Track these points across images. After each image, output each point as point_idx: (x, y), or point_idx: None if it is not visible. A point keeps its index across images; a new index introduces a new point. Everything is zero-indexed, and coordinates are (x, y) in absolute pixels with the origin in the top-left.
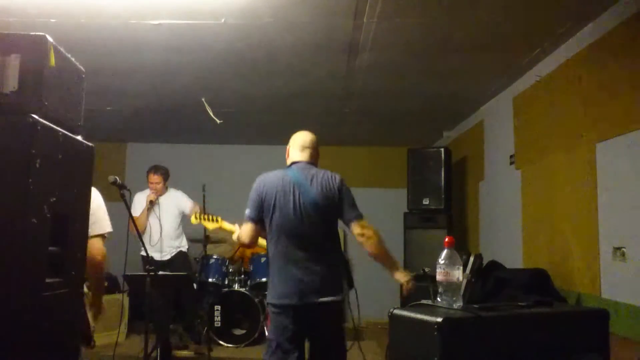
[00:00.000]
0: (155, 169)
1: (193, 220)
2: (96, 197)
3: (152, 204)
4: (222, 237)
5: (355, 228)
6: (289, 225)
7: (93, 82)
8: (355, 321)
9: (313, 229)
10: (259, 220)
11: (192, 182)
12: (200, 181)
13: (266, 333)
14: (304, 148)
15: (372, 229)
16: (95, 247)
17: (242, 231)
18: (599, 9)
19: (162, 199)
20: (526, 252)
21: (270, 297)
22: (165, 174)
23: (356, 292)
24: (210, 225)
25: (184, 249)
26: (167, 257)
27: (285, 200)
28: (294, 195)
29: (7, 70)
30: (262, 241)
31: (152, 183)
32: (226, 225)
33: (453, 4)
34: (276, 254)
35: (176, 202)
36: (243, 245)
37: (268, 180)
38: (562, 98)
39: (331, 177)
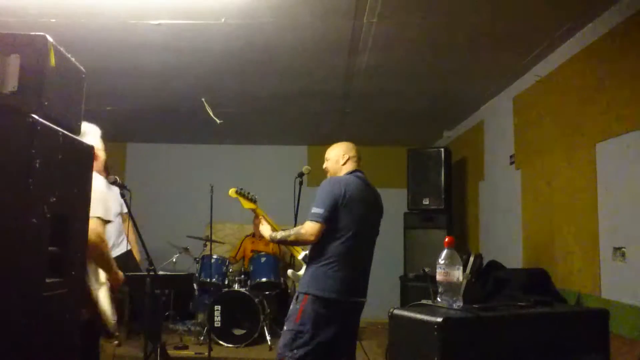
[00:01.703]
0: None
1: (231, 193)
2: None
3: None
4: (222, 237)
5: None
6: (362, 228)
7: (93, 82)
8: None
9: (373, 234)
10: (331, 221)
11: (192, 181)
12: (200, 181)
13: (266, 333)
14: (359, 160)
15: None
16: (91, 227)
17: (310, 229)
18: (599, 9)
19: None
20: (526, 252)
21: (319, 290)
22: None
23: None
24: (246, 204)
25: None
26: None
27: (364, 205)
28: (369, 201)
29: (7, 70)
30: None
31: None
32: (261, 211)
33: (453, 4)
34: (339, 252)
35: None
36: (301, 244)
37: (347, 183)
38: (562, 98)
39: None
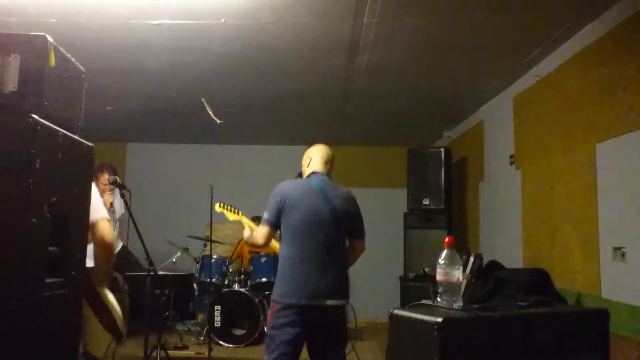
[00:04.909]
0: (107, 167)
1: (217, 208)
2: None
3: (112, 207)
4: (222, 237)
5: (360, 245)
6: (308, 228)
7: (93, 82)
8: (353, 324)
9: (329, 236)
10: (277, 224)
11: (192, 181)
12: (200, 181)
13: (266, 331)
14: (326, 162)
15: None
16: (106, 227)
17: (259, 233)
18: (599, 9)
19: (115, 203)
20: (526, 252)
21: (279, 295)
22: (115, 173)
23: (352, 305)
24: (231, 217)
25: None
26: None
27: (307, 206)
28: (317, 202)
29: (7, 70)
30: (274, 243)
31: (105, 185)
32: (245, 219)
33: (453, 4)
34: (291, 255)
35: (122, 204)
36: (256, 246)
37: (289, 186)
38: (562, 98)
39: (348, 192)
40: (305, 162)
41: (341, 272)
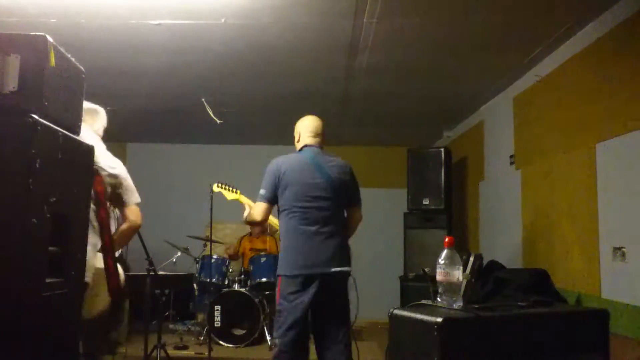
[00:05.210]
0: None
1: (215, 188)
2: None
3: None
4: (222, 237)
5: (357, 212)
6: (306, 202)
7: (93, 82)
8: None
9: (328, 207)
10: (274, 200)
11: (192, 181)
12: (200, 181)
13: (266, 333)
14: (316, 134)
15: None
16: (139, 212)
17: (256, 209)
18: (599, 9)
19: None
20: (526, 252)
21: (285, 268)
22: None
23: (357, 288)
24: (229, 196)
25: None
26: None
27: (303, 179)
28: (312, 175)
29: (7, 70)
30: (272, 219)
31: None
32: (244, 198)
33: (452, 4)
34: (291, 229)
35: None
36: (254, 223)
37: (284, 161)
38: (562, 98)
39: (343, 162)
40: (295, 137)
41: (342, 241)
